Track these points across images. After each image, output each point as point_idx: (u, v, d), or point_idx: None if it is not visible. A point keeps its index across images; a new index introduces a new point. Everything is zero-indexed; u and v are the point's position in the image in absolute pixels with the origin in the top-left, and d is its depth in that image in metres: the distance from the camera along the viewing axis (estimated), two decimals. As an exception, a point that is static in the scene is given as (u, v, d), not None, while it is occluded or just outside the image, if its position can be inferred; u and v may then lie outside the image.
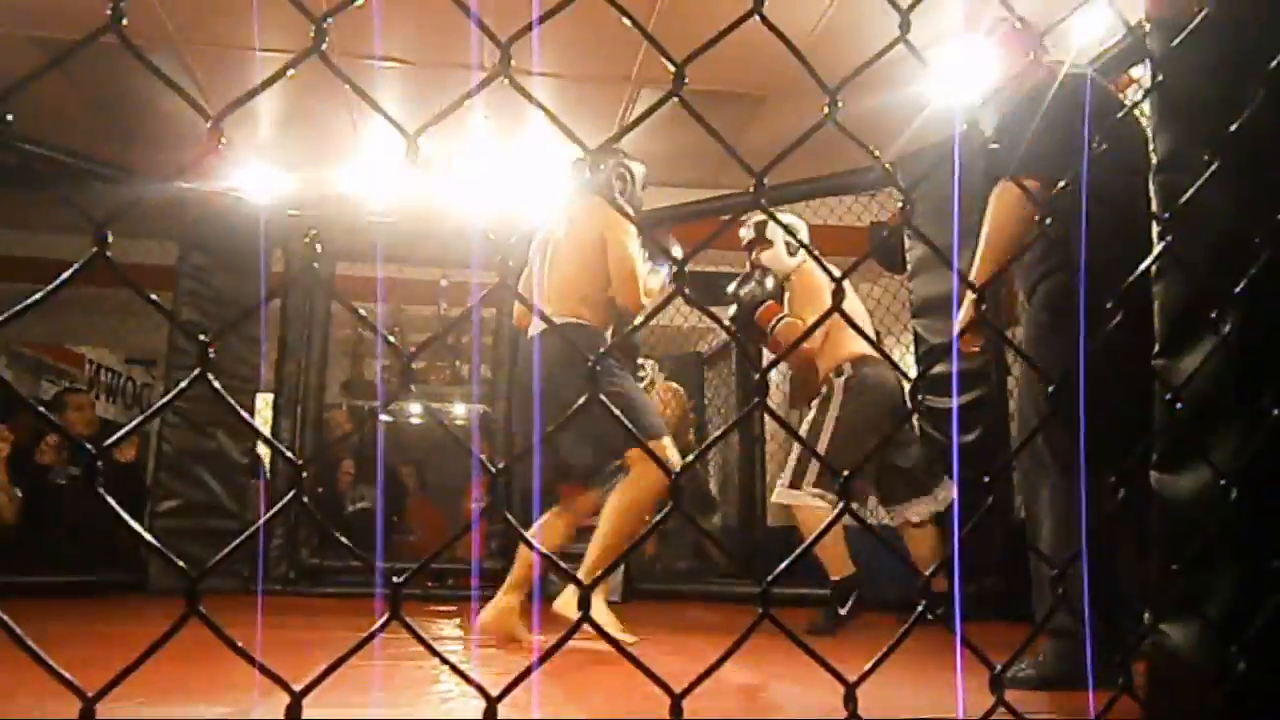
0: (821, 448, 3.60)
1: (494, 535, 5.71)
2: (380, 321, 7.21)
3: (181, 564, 0.59)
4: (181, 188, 5.29)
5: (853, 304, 3.98)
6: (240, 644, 0.64)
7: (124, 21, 0.57)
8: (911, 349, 5.09)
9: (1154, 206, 1.01)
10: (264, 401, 6.07)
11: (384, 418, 7.16)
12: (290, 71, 0.69)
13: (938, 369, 4.72)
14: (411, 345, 7.07)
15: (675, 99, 0.73)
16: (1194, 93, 0.95)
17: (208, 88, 5.48)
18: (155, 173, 5.41)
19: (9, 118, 0.54)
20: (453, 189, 5.89)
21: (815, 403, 3.83)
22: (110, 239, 0.55)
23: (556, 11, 0.69)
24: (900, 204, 3.11)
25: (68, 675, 0.60)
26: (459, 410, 8.36)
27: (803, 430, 3.74)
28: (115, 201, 5.10)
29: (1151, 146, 1.02)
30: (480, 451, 5.83)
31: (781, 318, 3.92)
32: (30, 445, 5.33)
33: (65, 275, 0.56)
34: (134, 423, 0.68)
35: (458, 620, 4.12)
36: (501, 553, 5.72)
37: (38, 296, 0.56)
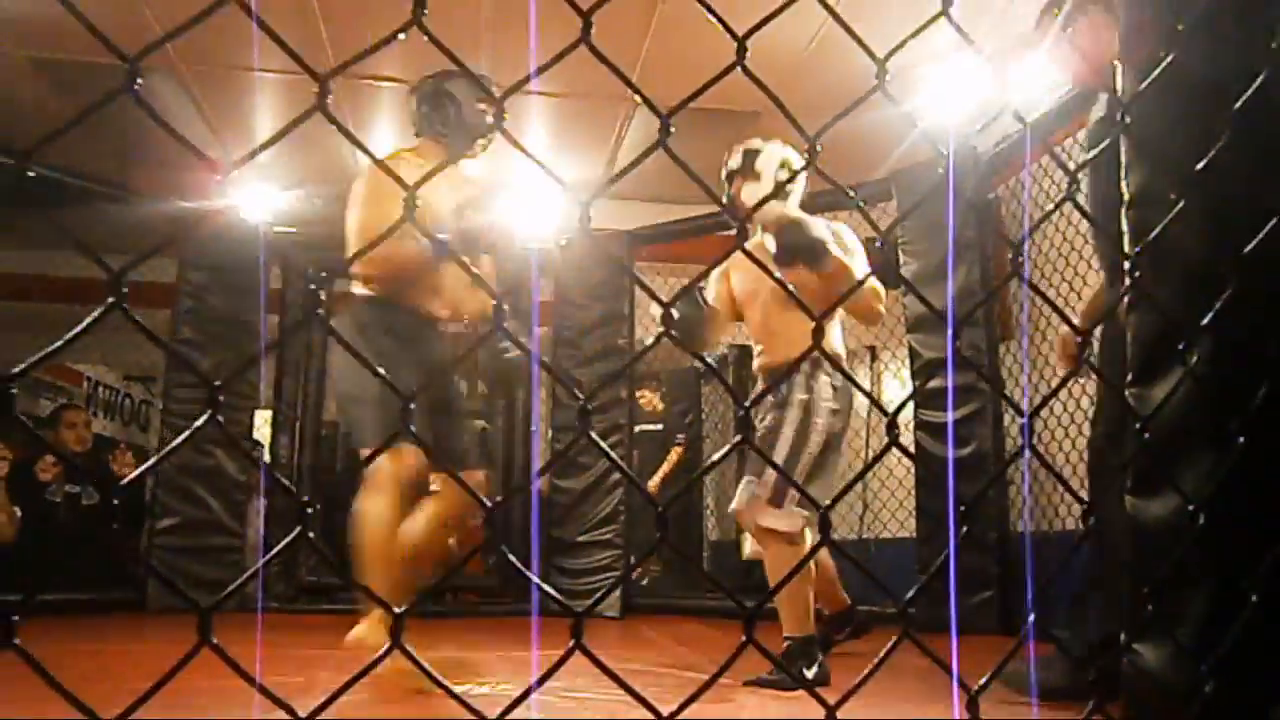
0: (806, 462, 2.95)
1: (491, 552, 5.74)
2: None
3: (191, 597, 0.62)
4: (181, 206, 5.33)
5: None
6: (242, 666, 0.67)
7: (140, 82, 0.61)
8: (907, 363, 5.14)
9: (1125, 242, 1.05)
10: (262, 418, 6.10)
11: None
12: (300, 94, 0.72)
13: (933, 383, 4.76)
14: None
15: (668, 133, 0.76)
16: (1162, 132, 0.99)
17: (207, 107, 5.52)
18: (154, 191, 5.44)
19: (30, 174, 0.57)
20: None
21: (788, 398, 3.06)
22: (125, 290, 0.58)
23: (550, 66, 0.72)
24: (877, 242, 2.93)
25: (82, 701, 0.63)
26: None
27: (782, 430, 3.01)
28: (116, 221, 5.15)
29: (1125, 182, 1.06)
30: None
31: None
32: (29, 463, 5.35)
33: (84, 324, 0.59)
34: (147, 464, 0.71)
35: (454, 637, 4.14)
36: (498, 569, 5.76)
37: (59, 345, 0.59)
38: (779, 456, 2.96)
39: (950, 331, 3.55)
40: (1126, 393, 1.02)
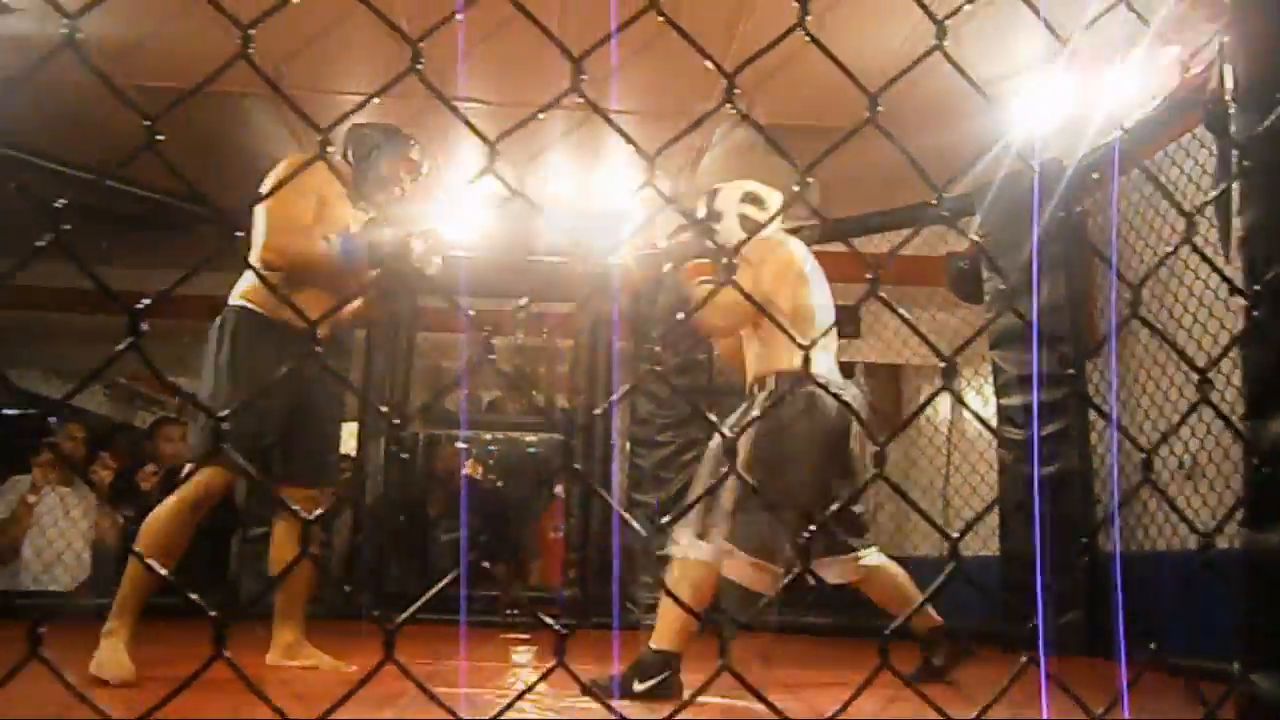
0: (733, 487, 2.71)
1: (570, 564, 5.83)
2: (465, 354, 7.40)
3: (375, 616, 0.67)
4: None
5: (810, 299, 3.07)
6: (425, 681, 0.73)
7: (330, 148, 0.67)
8: (990, 380, 5.08)
9: (1241, 279, 1.06)
10: (348, 431, 6.25)
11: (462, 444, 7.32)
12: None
13: (1017, 400, 4.69)
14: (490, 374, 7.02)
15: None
16: (1277, 173, 1.00)
17: (300, 130, 5.69)
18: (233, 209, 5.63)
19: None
20: (534, 223, 6.05)
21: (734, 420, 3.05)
22: (320, 336, 0.65)
23: (690, 129, 0.77)
24: (963, 262, 2.95)
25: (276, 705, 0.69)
26: (532, 438, 8.56)
27: (709, 457, 2.94)
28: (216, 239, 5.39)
29: (1236, 219, 1.07)
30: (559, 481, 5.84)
31: (708, 281, 2.97)
32: (131, 472, 5.57)
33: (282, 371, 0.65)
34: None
35: (535, 648, 4.19)
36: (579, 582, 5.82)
37: (270, 380, 0.65)
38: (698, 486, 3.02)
39: (1034, 347, 3.50)
40: (1240, 425, 1.03)
